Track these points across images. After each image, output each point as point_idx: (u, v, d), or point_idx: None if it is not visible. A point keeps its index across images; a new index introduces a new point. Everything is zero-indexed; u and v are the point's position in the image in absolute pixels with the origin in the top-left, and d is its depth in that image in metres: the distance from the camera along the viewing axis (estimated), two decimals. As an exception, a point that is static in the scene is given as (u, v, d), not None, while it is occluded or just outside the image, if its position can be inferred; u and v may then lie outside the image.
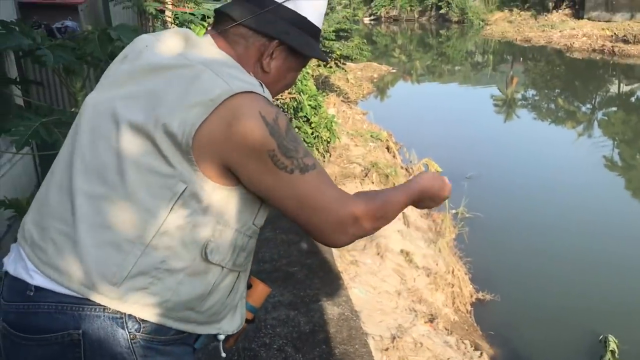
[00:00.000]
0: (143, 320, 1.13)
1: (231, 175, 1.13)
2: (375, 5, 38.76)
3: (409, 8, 38.25)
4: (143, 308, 1.12)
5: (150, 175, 1.09)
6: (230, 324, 1.28)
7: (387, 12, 38.84)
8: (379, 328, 4.64)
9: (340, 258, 5.39)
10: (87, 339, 1.10)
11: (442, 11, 36.40)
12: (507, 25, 28.23)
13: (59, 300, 1.10)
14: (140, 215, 1.09)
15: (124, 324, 1.12)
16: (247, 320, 1.36)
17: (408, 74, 20.94)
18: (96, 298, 1.11)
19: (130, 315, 1.12)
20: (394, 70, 20.05)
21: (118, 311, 1.11)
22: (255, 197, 1.19)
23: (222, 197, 1.13)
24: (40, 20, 4.65)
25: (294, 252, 2.82)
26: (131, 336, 1.12)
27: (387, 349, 4.31)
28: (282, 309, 2.29)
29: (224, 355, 1.31)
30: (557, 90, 17.84)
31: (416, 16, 38.18)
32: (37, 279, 1.12)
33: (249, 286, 1.42)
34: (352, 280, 5.21)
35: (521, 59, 23.52)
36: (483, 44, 26.97)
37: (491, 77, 20.88)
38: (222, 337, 1.27)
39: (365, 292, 5.19)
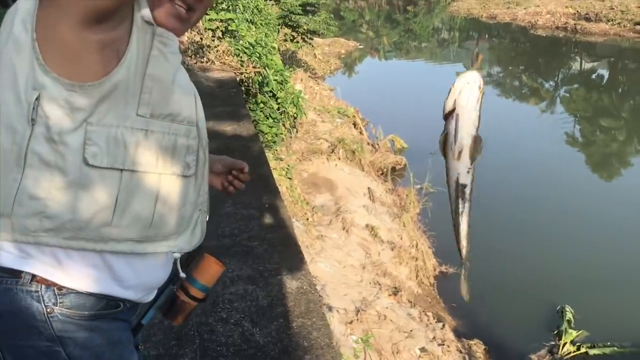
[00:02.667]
0: (61, 294, 1.08)
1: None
2: (343, -20, 38.43)
3: (376, -17, 38.06)
4: (45, 234, 1.04)
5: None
6: (188, 241, 1.20)
7: (355, -13, 38.59)
8: (344, 301, 4.70)
9: (306, 233, 5.42)
10: None
11: (409, -13, 36.32)
12: (473, 2, 28.32)
13: None
14: (5, 136, 1.02)
15: (40, 297, 1.07)
16: (197, 299, 1.30)
17: (375, 50, 20.92)
18: None
19: (47, 287, 1.07)
20: (362, 47, 20.01)
21: (32, 283, 1.06)
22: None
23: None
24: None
25: (255, 226, 2.82)
26: (48, 310, 1.07)
27: (351, 322, 4.38)
28: (240, 284, 2.30)
29: (183, 275, 1.26)
30: (521, 67, 18.06)
31: (384, -9, 38.03)
32: None
33: (199, 262, 1.35)
34: (317, 254, 5.25)
35: (486, 36, 23.70)
36: (449, 20, 27.06)
37: (457, 54, 21.01)
38: (176, 255, 1.20)
39: (331, 266, 5.24)
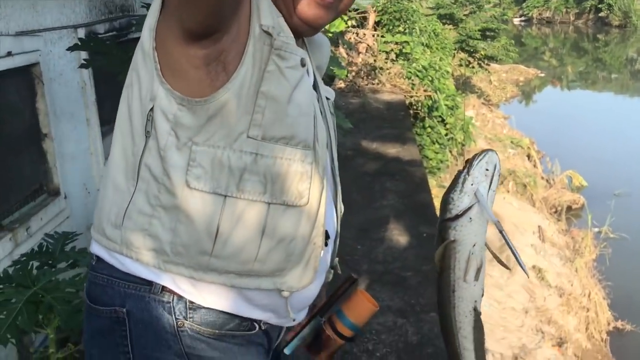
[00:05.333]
0: (192, 307, 1.03)
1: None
2: (527, 6, 36.84)
3: (564, 10, 35.89)
4: (147, 253, 1.02)
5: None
6: (298, 279, 1.07)
7: (540, 14, 36.74)
8: (500, 345, 4.38)
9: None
10: (132, 318, 1.04)
11: (601, 14, 33.76)
12: (676, 31, 25.59)
13: (110, 273, 1.06)
14: (122, 146, 1.03)
15: (171, 309, 1.02)
16: (345, 338, 1.21)
17: (558, 79, 19.67)
18: (103, 242, 1.06)
19: (179, 299, 1.03)
20: (543, 75, 18.97)
21: (164, 293, 1.03)
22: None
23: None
24: None
25: (410, 256, 2.69)
26: (178, 323, 1.02)
27: (506, 369, 4.05)
28: (389, 315, 2.18)
29: (292, 317, 1.10)
30: None
31: (572, 19, 35.73)
32: (93, 246, 1.11)
33: (351, 297, 1.24)
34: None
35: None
36: (647, 50, 24.69)
37: (653, 87, 19.04)
38: (286, 293, 1.06)
39: (489, 305, 4.93)
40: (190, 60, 0.94)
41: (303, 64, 1.02)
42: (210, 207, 0.99)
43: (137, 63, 1.02)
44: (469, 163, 1.11)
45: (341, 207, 1.26)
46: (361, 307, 1.21)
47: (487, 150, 1.13)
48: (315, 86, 1.17)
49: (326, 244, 1.12)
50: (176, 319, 1.03)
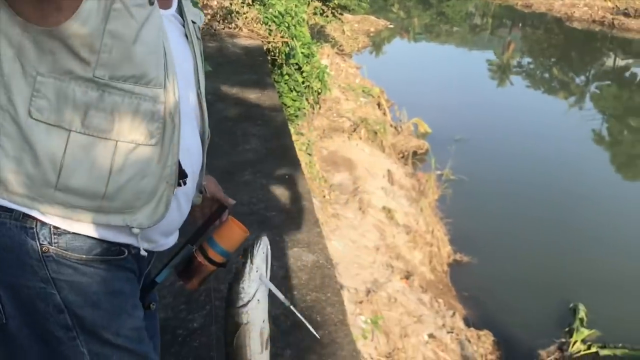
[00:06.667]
0: (57, 233, 1.00)
1: None
2: (378, -42, 37.79)
3: (411, -37, 37.35)
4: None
5: None
6: (148, 217, 1.06)
7: (389, -34, 37.95)
8: (355, 281, 4.67)
9: (322, 210, 5.37)
10: None
11: (445, -31, 35.62)
12: (509, -11, 27.76)
13: None
14: None
15: (35, 235, 1.00)
16: (217, 264, 1.22)
17: (405, 31, 20.60)
18: None
19: (43, 225, 1.00)
20: (392, 26, 19.70)
21: (27, 219, 0.99)
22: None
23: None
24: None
25: (273, 197, 2.77)
26: (43, 249, 1.00)
27: (361, 302, 4.34)
28: (255, 251, 2.26)
29: (144, 253, 1.10)
30: (552, 60, 17.69)
31: (419, -27, 37.34)
32: None
33: (222, 225, 1.27)
34: (332, 232, 5.21)
35: (520, 24, 23.21)
36: (483, 6, 26.52)
37: (489, 41, 20.63)
38: (136, 230, 1.06)
39: (344, 245, 5.20)
40: None
41: (151, 2, 0.99)
42: (54, 140, 0.96)
43: None
44: (249, 253, 1.24)
45: (208, 132, 1.26)
46: (232, 233, 1.24)
47: (260, 237, 1.26)
48: (180, 11, 1.16)
49: (184, 183, 1.12)
50: (40, 244, 1.00)
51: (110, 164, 0.99)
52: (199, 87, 1.20)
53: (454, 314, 4.93)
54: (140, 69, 0.99)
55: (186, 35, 1.17)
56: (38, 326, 1.04)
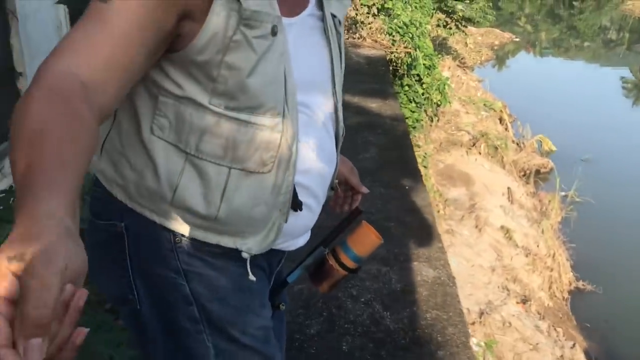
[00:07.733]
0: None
1: None
2: (506, -30, 36.67)
3: (542, -25, 35.88)
4: (116, 187, 1.03)
5: None
6: (258, 244, 1.06)
7: (518, -22, 36.68)
8: (468, 301, 4.50)
9: (437, 225, 5.25)
10: (130, 233, 1.03)
11: (578, -19, 33.88)
12: (650, 2, 25.80)
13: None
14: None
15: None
16: (348, 269, 1.18)
17: (532, 45, 19.75)
18: (94, 162, 1.05)
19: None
20: (517, 40, 19.00)
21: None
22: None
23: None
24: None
25: (393, 208, 2.72)
26: (176, 239, 1.02)
27: (473, 323, 4.18)
28: (373, 263, 2.21)
29: (252, 278, 1.07)
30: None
31: (548, -16, 35.78)
32: (93, 161, 1.09)
33: (356, 229, 1.21)
34: (446, 249, 5.07)
35: (661, 40, 21.52)
36: (620, 19, 24.88)
37: (624, 57, 19.27)
38: (245, 255, 1.05)
39: (458, 263, 5.04)
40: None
41: (274, 33, 0.95)
42: (172, 159, 0.98)
43: None
44: None
45: (343, 129, 1.22)
46: (366, 239, 1.19)
47: None
48: (320, 5, 1.10)
49: (300, 209, 1.09)
50: (174, 235, 1.02)
51: (222, 190, 0.99)
52: (334, 87, 1.15)
53: (574, 345, 4.61)
54: (256, 101, 0.97)
55: (325, 30, 1.11)
56: (167, 316, 1.06)
